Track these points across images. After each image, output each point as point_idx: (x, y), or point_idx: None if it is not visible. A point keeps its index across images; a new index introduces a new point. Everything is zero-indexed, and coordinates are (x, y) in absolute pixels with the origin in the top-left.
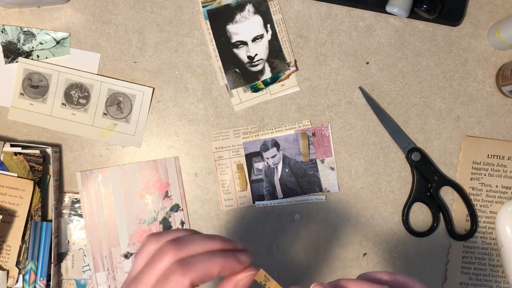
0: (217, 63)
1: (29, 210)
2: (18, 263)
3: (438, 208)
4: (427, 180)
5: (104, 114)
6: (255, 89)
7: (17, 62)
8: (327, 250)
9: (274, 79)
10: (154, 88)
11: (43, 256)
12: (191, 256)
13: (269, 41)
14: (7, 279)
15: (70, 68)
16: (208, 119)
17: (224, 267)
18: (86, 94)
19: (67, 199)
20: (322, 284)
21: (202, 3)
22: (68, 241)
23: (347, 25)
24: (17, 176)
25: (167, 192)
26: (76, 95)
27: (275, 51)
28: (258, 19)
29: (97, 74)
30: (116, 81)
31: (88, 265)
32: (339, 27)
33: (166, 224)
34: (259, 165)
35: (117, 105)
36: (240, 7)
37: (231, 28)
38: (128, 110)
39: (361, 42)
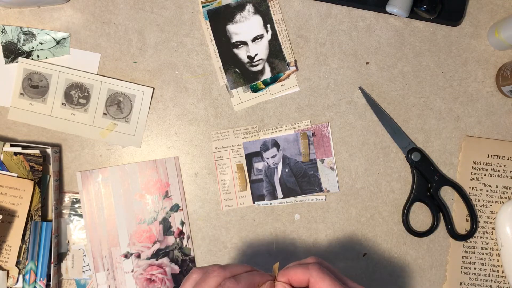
0: (217, 63)
1: (29, 210)
2: (18, 263)
3: (438, 208)
4: (427, 180)
5: (104, 114)
6: (255, 89)
7: (17, 62)
8: (327, 250)
9: (274, 79)
10: (154, 88)
11: (43, 256)
12: (235, 274)
13: (269, 41)
14: (7, 279)
15: (70, 68)
16: (208, 119)
17: (261, 278)
18: (86, 94)
19: (67, 199)
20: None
21: (202, 3)
22: (68, 241)
23: (347, 25)
24: (17, 176)
25: (167, 192)
26: (76, 95)
27: (275, 51)
28: (258, 19)
29: (97, 74)
30: (116, 81)
31: (88, 265)
32: (339, 27)
33: (166, 224)
34: (259, 165)
35: (117, 105)
36: (240, 7)
37: (231, 28)
38: (128, 110)
39: (361, 42)
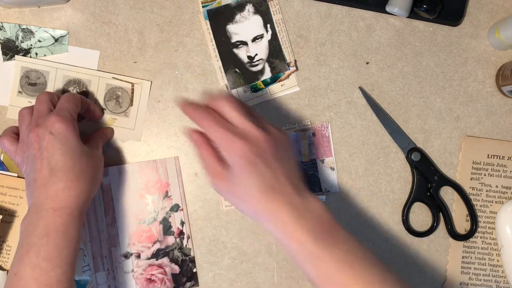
0: (217, 63)
1: None
2: None
3: (438, 208)
4: (427, 180)
5: (103, 109)
6: (255, 89)
7: (14, 59)
8: None
9: (274, 79)
10: (151, 82)
11: None
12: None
13: (269, 41)
14: None
15: (68, 64)
16: None
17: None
18: (84, 89)
19: None
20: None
21: (202, 3)
22: None
23: (347, 25)
24: (17, 176)
25: (167, 192)
26: (75, 91)
27: (275, 51)
28: (258, 19)
29: (95, 70)
30: (114, 76)
31: (88, 265)
32: (339, 27)
33: (166, 224)
34: None
35: (116, 99)
36: (240, 7)
37: (231, 28)
38: (127, 105)
39: (361, 42)
